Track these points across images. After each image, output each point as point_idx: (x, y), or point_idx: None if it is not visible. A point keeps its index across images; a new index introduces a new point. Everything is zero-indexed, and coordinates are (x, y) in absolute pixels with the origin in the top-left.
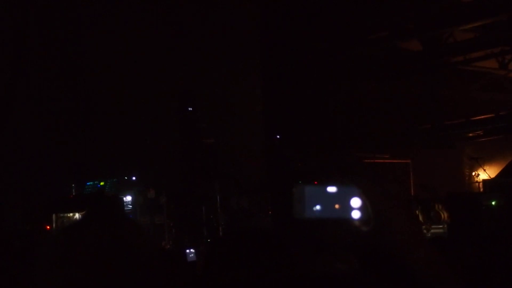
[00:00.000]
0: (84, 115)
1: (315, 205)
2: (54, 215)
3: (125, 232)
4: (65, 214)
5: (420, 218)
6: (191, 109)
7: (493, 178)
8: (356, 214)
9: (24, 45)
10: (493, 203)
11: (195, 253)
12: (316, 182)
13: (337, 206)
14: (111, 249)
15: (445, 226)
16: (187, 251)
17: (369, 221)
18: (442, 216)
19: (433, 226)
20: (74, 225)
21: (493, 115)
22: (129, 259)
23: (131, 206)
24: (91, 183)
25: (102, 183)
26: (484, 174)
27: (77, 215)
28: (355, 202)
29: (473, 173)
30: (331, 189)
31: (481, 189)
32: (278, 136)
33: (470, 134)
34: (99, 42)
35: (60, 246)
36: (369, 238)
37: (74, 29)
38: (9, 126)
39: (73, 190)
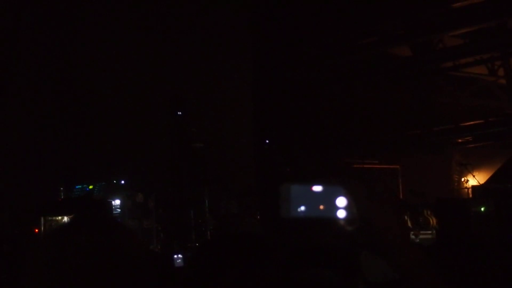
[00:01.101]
0: (73, 119)
1: (301, 204)
2: (42, 218)
3: (115, 234)
4: (54, 218)
5: (409, 223)
6: (180, 113)
7: (482, 184)
8: (341, 214)
9: (15, 47)
10: (482, 209)
11: (183, 258)
12: None
13: (322, 205)
14: (102, 251)
15: (434, 232)
16: (175, 256)
17: (355, 221)
18: (431, 221)
19: (421, 232)
20: (64, 228)
21: (482, 121)
22: (119, 262)
23: (119, 210)
24: (80, 186)
25: (90, 187)
26: (473, 180)
27: (65, 219)
28: (341, 201)
29: (462, 179)
30: (317, 188)
31: (470, 195)
32: (267, 141)
33: (460, 140)
34: (88, 46)
35: (50, 249)
36: (354, 238)
37: (64, 33)
38: None
39: (62, 194)
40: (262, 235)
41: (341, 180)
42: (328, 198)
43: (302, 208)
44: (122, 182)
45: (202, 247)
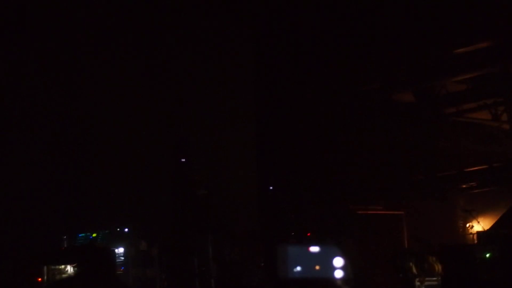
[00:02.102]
0: (76, 167)
1: (298, 265)
2: (45, 267)
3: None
4: (57, 266)
5: (414, 270)
6: (184, 160)
7: (487, 230)
8: (338, 274)
9: (16, 91)
10: (487, 255)
11: None
12: (309, 234)
13: (318, 266)
14: None
15: (439, 278)
16: None
17: (351, 280)
18: (436, 268)
19: (427, 279)
20: (66, 281)
21: (486, 166)
22: None
23: (123, 258)
24: (83, 234)
25: (94, 235)
26: (478, 226)
27: (68, 267)
28: (337, 261)
29: (467, 225)
30: (314, 249)
31: (475, 241)
32: (271, 188)
33: (464, 186)
34: (91, 93)
35: None
36: None
37: (67, 76)
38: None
39: (65, 242)
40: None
41: (337, 239)
42: (325, 259)
43: (299, 269)
44: (126, 230)
45: None
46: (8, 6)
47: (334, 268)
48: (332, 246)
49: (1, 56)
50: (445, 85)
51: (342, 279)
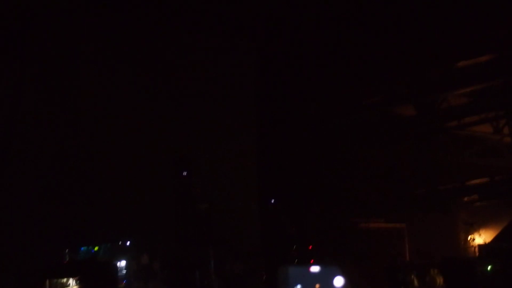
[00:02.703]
0: (78, 181)
1: (298, 284)
2: (47, 281)
3: None
4: (59, 280)
5: (415, 283)
6: (185, 173)
7: (488, 243)
8: None
9: (18, 110)
10: (489, 268)
11: None
12: (310, 247)
13: (318, 284)
14: None
15: None
16: None
17: None
18: (438, 281)
19: None
20: None
21: (488, 180)
22: None
23: (125, 272)
24: (85, 248)
25: (96, 249)
26: (479, 238)
27: (70, 281)
28: (338, 281)
29: (468, 238)
30: (314, 268)
31: (477, 254)
32: (272, 201)
33: (465, 199)
34: (94, 107)
35: None
36: None
37: (69, 93)
38: (2, 191)
39: (67, 256)
40: None
41: (338, 255)
42: (325, 278)
43: (299, 287)
44: (127, 243)
45: None
46: (10, 10)
47: None
48: (332, 265)
49: (3, 62)
50: (447, 98)
51: None
